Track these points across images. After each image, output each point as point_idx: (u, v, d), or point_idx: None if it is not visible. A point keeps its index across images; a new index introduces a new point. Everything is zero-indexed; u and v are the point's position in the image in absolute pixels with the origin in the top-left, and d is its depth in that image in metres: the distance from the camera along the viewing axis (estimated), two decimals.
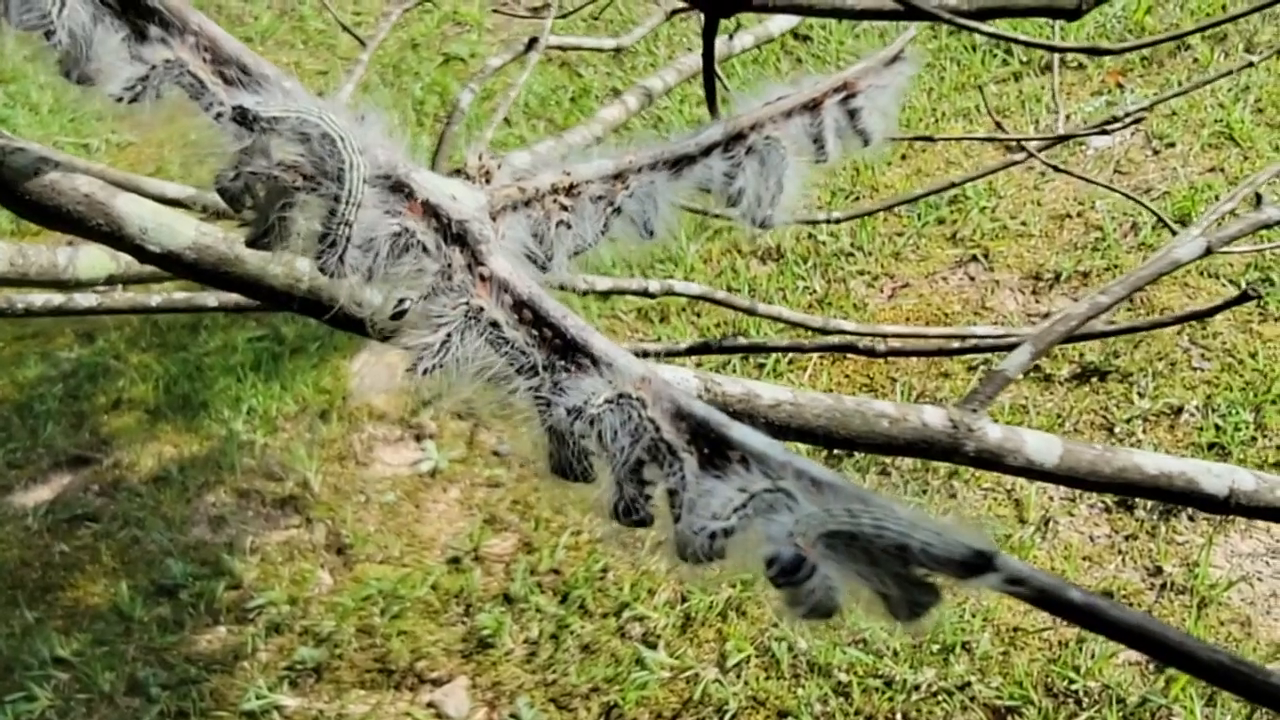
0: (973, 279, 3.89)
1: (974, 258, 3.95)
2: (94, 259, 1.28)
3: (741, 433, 0.49)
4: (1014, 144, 4.17)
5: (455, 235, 0.57)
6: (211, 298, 1.27)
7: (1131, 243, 3.83)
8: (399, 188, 0.57)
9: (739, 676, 2.95)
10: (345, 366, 4.13)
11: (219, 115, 0.56)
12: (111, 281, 1.30)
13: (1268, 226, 0.93)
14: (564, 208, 0.60)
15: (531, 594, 3.25)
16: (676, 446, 0.51)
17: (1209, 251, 0.92)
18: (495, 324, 0.55)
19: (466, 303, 0.54)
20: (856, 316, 3.79)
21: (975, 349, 1.08)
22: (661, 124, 4.67)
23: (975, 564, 0.43)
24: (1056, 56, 2.42)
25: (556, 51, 5.09)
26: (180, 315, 4.14)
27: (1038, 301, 3.75)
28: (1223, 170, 4.01)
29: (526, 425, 0.54)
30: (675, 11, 1.98)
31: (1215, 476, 0.80)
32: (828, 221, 3.69)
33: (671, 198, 0.62)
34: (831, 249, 4.08)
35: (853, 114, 0.64)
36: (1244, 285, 3.61)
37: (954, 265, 3.95)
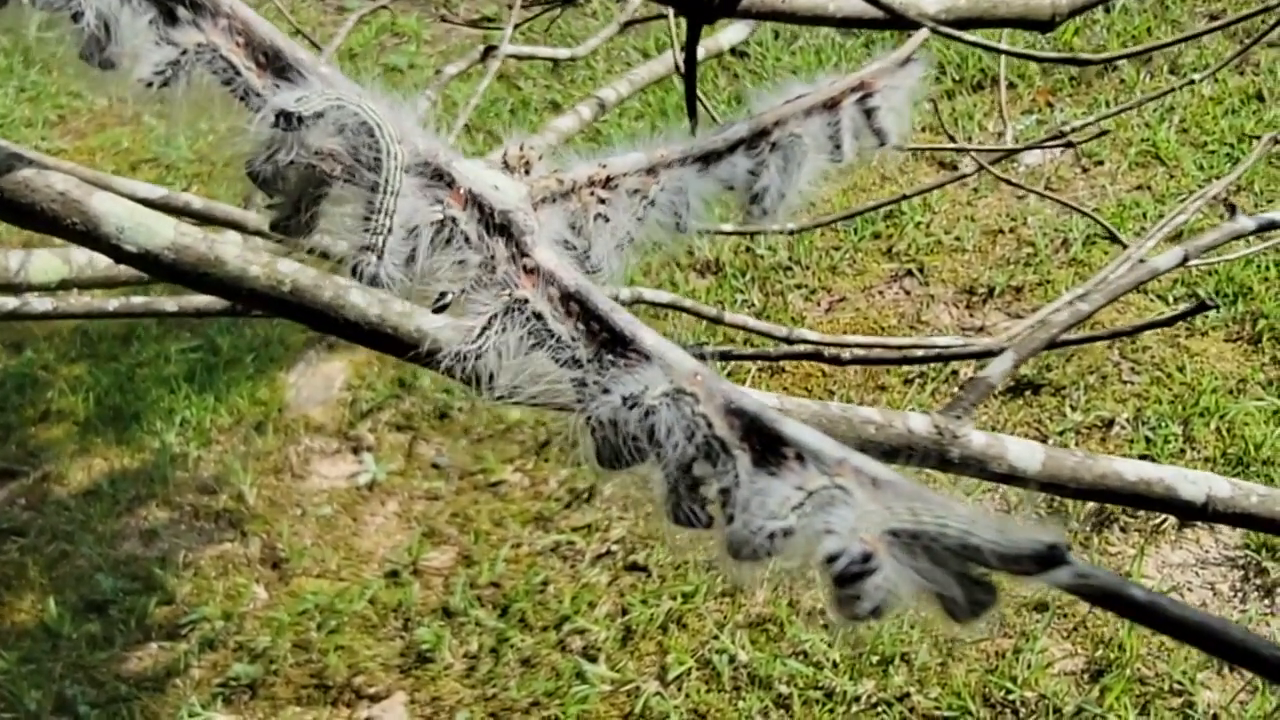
0: (908, 293, 3.94)
1: (909, 272, 3.99)
2: (46, 263, 1.25)
3: (795, 429, 0.48)
4: (952, 161, 4.23)
5: (499, 226, 0.57)
6: (170, 302, 1.25)
7: (1063, 258, 3.90)
8: (440, 177, 0.56)
9: (680, 689, 2.95)
10: (281, 378, 4.08)
11: (253, 103, 0.54)
12: (65, 286, 1.27)
13: (1242, 235, 0.96)
14: (601, 200, 0.60)
15: (471, 607, 3.23)
16: (730, 443, 0.51)
17: (1186, 260, 0.94)
18: (539, 315, 0.54)
19: (510, 294, 0.54)
20: (794, 329, 3.82)
21: (939, 357, 1.09)
22: (601, 136, 4.68)
23: (1047, 558, 0.43)
24: (1004, 73, 2.47)
25: (491, 63, 5.07)
26: (112, 325, 4.07)
27: (972, 315, 3.80)
28: (1149, 188, 4.10)
29: (570, 416, 0.54)
30: (629, 23, 1.99)
31: (1192, 483, 0.81)
32: (766, 233, 3.72)
33: (700, 192, 0.62)
34: (769, 263, 4.11)
35: (869, 113, 0.65)
36: (1171, 299, 3.69)
37: (890, 279, 4.00)
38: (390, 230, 0.54)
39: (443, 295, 0.55)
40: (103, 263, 1.28)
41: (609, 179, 0.60)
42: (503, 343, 0.54)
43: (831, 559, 0.45)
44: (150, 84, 0.56)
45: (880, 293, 3.96)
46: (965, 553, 0.44)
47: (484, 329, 0.54)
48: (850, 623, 0.45)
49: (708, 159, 0.62)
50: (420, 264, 0.54)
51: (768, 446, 0.50)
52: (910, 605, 0.45)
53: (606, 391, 0.52)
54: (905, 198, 2.14)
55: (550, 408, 0.55)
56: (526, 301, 0.54)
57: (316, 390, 4.00)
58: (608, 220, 0.59)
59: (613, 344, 0.55)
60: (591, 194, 0.59)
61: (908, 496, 0.45)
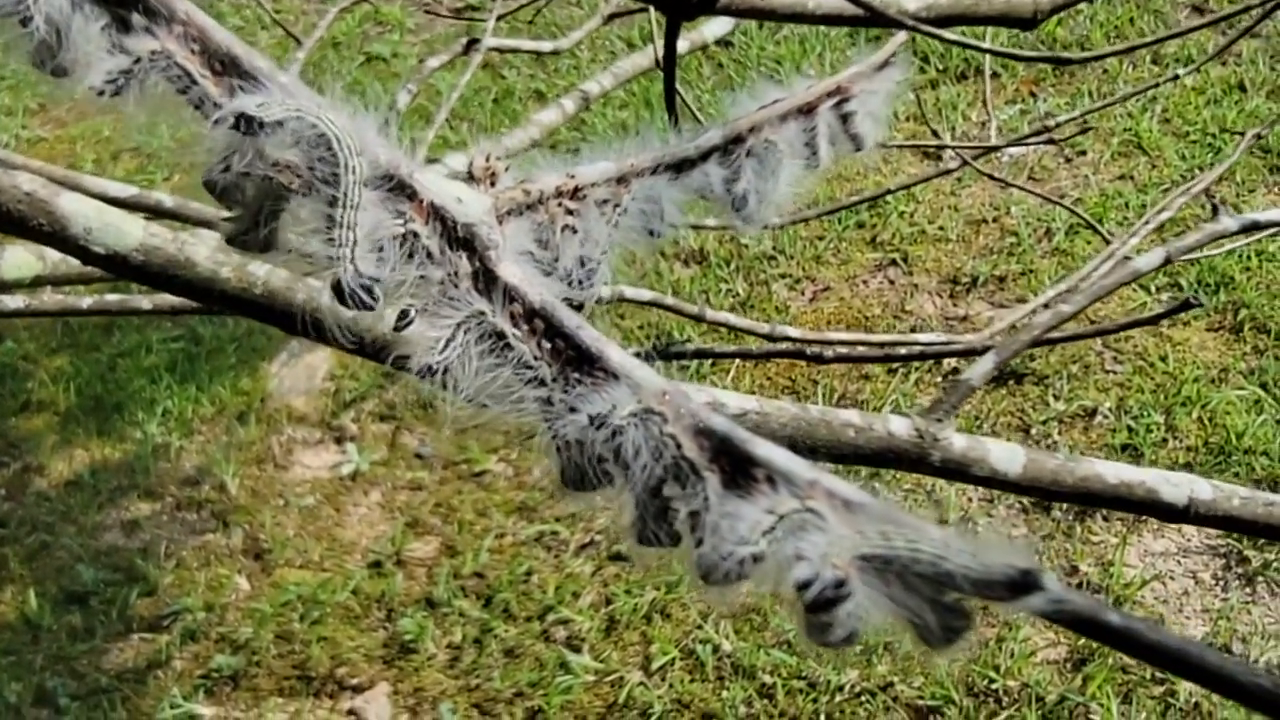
0: (892, 282, 3.94)
1: (893, 261, 3.99)
2: (19, 260, 1.23)
3: (766, 450, 0.47)
4: (934, 150, 4.23)
5: (461, 240, 0.55)
6: (146, 300, 1.24)
7: (1046, 248, 3.90)
8: (401, 189, 0.55)
9: (664, 679, 2.95)
10: (264, 368, 4.06)
11: (209, 111, 0.53)
12: (39, 283, 1.26)
13: (1224, 236, 0.95)
14: (569, 211, 0.58)
15: (454, 598, 3.22)
16: (699, 464, 0.50)
17: (1168, 261, 0.93)
18: (500, 334, 0.53)
19: (473, 310, 0.52)
20: (778, 319, 3.82)
21: (922, 355, 1.09)
22: (585, 125, 4.66)
23: (1022, 584, 0.42)
24: (988, 67, 2.47)
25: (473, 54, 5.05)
26: (92, 315, 4.04)
27: (955, 305, 3.80)
28: (1132, 178, 4.10)
29: (537, 436, 0.53)
30: (614, 15, 1.97)
31: (1174, 486, 0.81)
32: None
33: (674, 200, 0.61)
34: (754, 252, 4.10)
35: (845, 118, 0.64)
36: (1153, 289, 3.69)
37: (874, 269, 4.00)
38: (355, 242, 0.52)
39: (404, 314, 0.54)
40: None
41: (577, 189, 0.58)
42: (467, 358, 0.52)
43: (803, 586, 0.44)
44: (102, 92, 0.55)
45: (864, 282, 3.96)
46: (938, 578, 0.43)
47: (448, 342, 0.53)
48: (826, 648, 0.44)
49: (680, 167, 0.61)
50: (384, 279, 0.53)
51: (738, 468, 0.48)
52: (883, 631, 0.44)
53: (573, 410, 0.51)
54: (890, 192, 2.14)
55: (516, 423, 0.53)
56: (484, 317, 0.53)
57: (299, 380, 3.99)
58: (575, 232, 0.58)
59: (579, 362, 0.53)
60: (559, 205, 0.58)
61: (880, 519, 0.44)
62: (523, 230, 0.57)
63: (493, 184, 0.57)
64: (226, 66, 0.55)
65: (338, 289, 0.54)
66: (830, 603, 0.43)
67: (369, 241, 0.53)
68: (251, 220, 0.55)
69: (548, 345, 0.53)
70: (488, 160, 0.56)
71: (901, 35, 0.63)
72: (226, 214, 0.55)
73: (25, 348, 4.29)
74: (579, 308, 0.53)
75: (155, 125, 5.33)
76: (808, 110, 0.63)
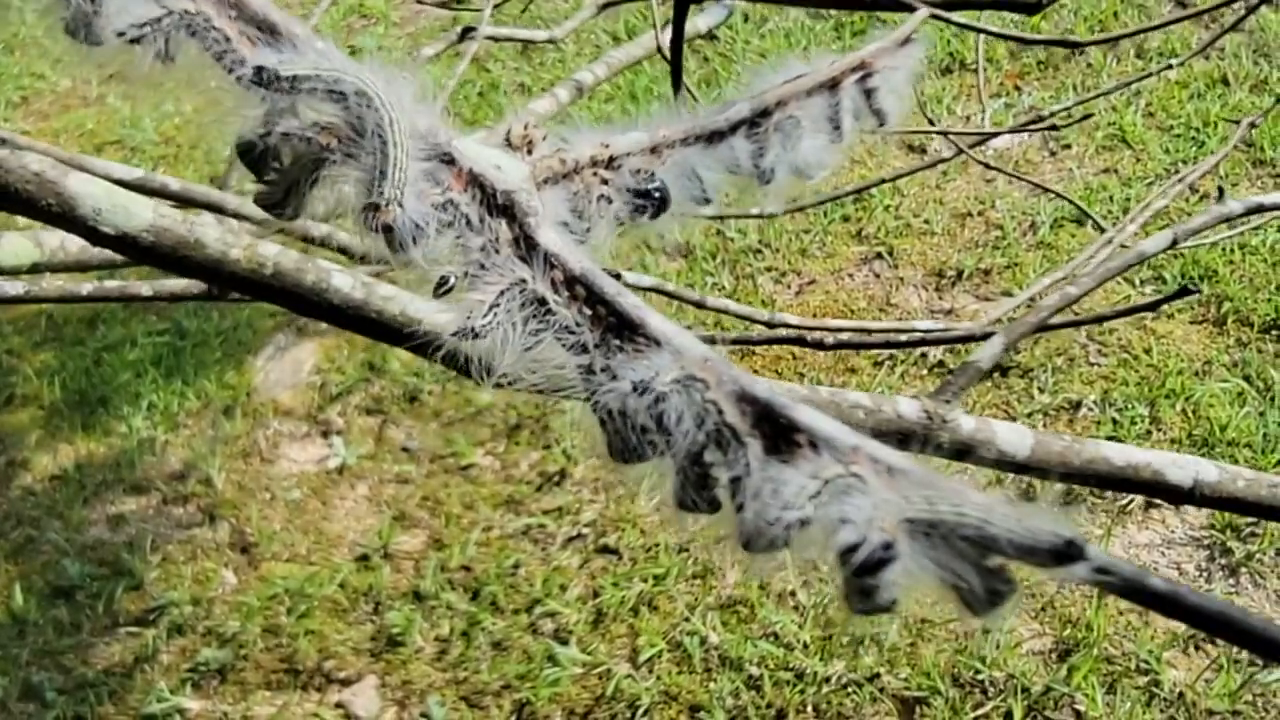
0: (878, 276, 3.95)
1: (879, 255, 4.01)
2: (17, 246, 1.23)
3: (808, 416, 0.47)
4: (921, 144, 4.25)
5: (501, 207, 0.55)
6: (145, 286, 1.23)
7: (1030, 240, 3.92)
8: (440, 156, 0.55)
9: (651, 671, 2.96)
10: (250, 362, 4.04)
11: (242, 77, 0.53)
12: (36, 269, 1.25)
13: (1230, 219, 0.96)
14: (604, 181, 0.59)
15: (442, 591, 3.22)
16: (741, 431, 0.49)
17: (1175, 243, 0.94)
18: (541, 300, 0.53)
19: (516, 277, 0.52)
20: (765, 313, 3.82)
21: (923, 342, 1.09)
22: (570, 119, 4.65)
23: (1065, 553, 0.42)
24: (981, 56, 2.48)
25: (462, 45, 5.04)
26: (78, 309, 4.02)
27: (941, 298, 3.81)
28: (1116, 171, 4.12)
29: (579, 407, 0.52)
30: (606, 5, 1.97)
31: (1179, 468, 0.82)
32: (736, 217, 3.72)
33: (710, 167, 0.61)
34: (740, 245, 4.11)
35: (869, 94, 0.64)
36: (1137, 281, 3.71)
37: (859, 262, 4.01)
38: (407, 182, 0.52)
39: (444, 280, 0.53)
40: (74, 246, 1.26)
41: (612, 159, 0.59)
42: (509, 324, 0.52)
43: (850, 550, 0.44)
44: (123, 33, 0.54)
45: (850, 275, 3.97)
46: (983, 542, 0.43)
47: (491, 306, 0.52)
48: (866, 614, 0.44)
49: (710, 139, 0.61)
50: (428, 229, 0.53)
51: (780, 434, 0.49)
52: (925, 597, 0.44)
53: (615, 378, 0.51)
54: (879, 183, 2.14)
55: (554, 395, 0.53)
56: (526, 283, 0.53)
57: (285, 374, 3.97)
58: (610, 202, 0.58)
59: (619, 328, 0.53)
60: (594, 174, 0.58)
61: (923, 484, 0.44)
62: (558, 199, 0.57)
63: (530, 152, 0.57)
64: (264, 32, 0.54)
65: (380, 226, 0.53)
66: (878, 565, 0.43)
67: (419, 211, 0.52)
68: (286, 188, 0.54)
69: (588, 312, 0.52)
70: (525, 128, 0.56)
71: (922, 13, 0.63)
72: (260, 179, 0.54)
73: (10, 342, 4.27)
74: (617, 276, 0.53)
75: (139, 118, 5.32)
76: (832, 85, 0.63)
